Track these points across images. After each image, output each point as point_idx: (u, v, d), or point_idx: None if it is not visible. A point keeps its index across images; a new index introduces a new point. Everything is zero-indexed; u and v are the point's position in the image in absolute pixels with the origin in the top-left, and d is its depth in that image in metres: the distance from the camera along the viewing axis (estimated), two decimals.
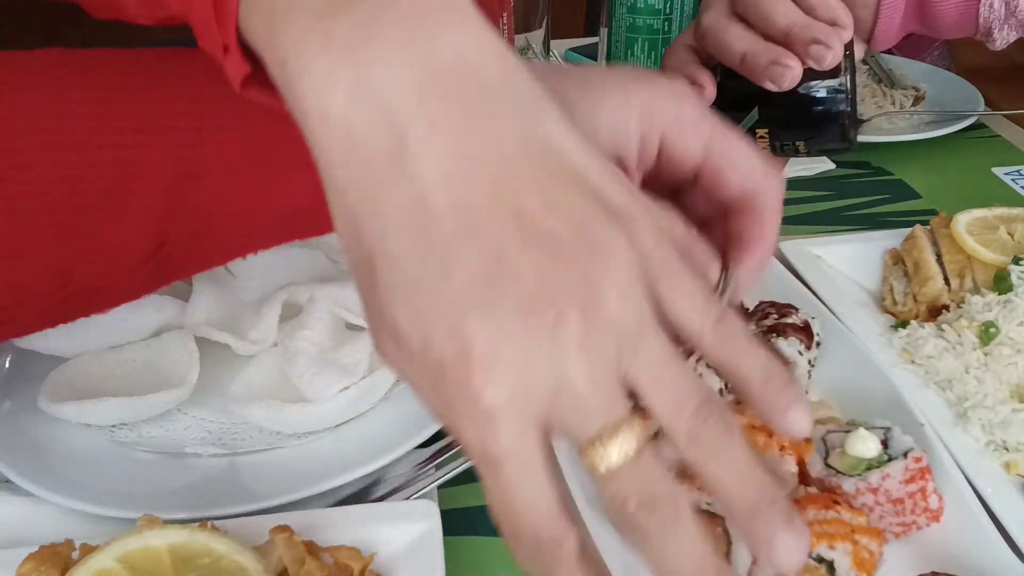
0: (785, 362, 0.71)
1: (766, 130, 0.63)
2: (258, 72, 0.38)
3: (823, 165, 1.11)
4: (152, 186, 0.55)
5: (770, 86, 0.61)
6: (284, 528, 0.54)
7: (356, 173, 0.34)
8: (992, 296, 0.76)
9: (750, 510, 0.35)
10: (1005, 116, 1.23)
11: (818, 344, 0.73)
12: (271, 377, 0.71)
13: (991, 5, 0.80)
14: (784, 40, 0.61)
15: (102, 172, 0.54)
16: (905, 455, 0.59)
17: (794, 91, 0.61)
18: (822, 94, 0.61)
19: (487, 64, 0.35)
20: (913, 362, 0.75)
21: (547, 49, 1.14)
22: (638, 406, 0.35)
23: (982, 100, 1.22)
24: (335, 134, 0.34)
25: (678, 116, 0.48)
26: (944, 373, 0.72)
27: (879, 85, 1.25)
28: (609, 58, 1.06)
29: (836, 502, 0.57)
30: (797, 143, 0.64)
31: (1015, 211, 0.86)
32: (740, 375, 0.37)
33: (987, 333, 0.73)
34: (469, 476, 0.63)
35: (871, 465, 0.59)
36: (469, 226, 0.33)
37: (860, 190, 1.07)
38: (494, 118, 0.34)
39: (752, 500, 0.35)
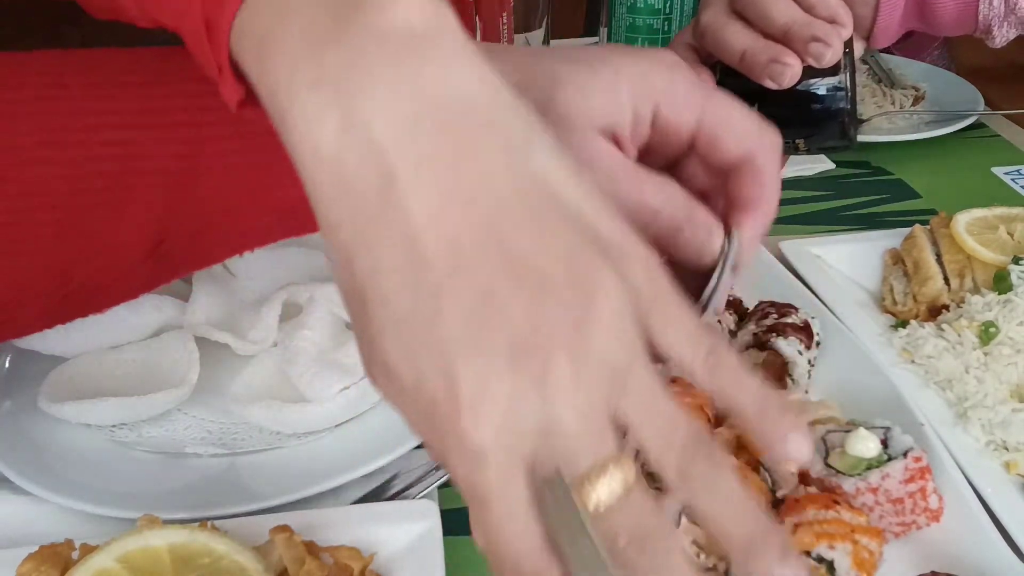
0: (785, 362, 0.71)
1: None
2: (253, 91, 0.38)
3: (823, 165, 1.11)
4: (151, 184, 0.55)
5: (770, 84, 0.61)
6: (284, 528, 0.54)
7: (347, 210, 0.34)
8: (992, 296, 0.76)
9: (744, 546, 0.35)
10: (1005, 116, 1.23)
11: (818, 344, 0.73)
12: (271, 377, 0.71)
13: (991, 2, 0.80)
14: (783, 38, 0.61)
15: (101, 170, 0.54)
16: (905, 455, 0.59)
17: (794, 89, 0.61)
18: (822, 92, 0.61)
19: (478, 97, 0.35)
20: (913, 362, 0.75)
21: None
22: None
23: (982, 100, 1.22)
24: (326, 170, 0.34)
25: (670, 85, 0.48)
26: (944, 373, 0.72)
27: (879, 85, 1.25)
28: None
29: (836, 502, 0.57)
30: (797, 141, 0.64)
31: (1015, 211, 0.86)
32: (734, 406, 0.37)
33: (987, 333, 0.73)
34: None
35: (871, 465, 0.59)
36: (459, 267, 0.33)
37: (860, 190, 1.07)
38: (484, 154, 0.34)
39: (746, 536, 0.35)
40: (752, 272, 0.84)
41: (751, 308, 0.76)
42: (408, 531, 0.57)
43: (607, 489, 0.34)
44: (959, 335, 0.74)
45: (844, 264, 0.88)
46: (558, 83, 0.48)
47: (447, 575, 0.55)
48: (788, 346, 0.71)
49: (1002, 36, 0.82)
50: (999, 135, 1.20)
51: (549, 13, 1.11)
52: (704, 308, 0.47)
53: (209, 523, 0.54)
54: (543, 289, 0.34)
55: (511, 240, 0.34)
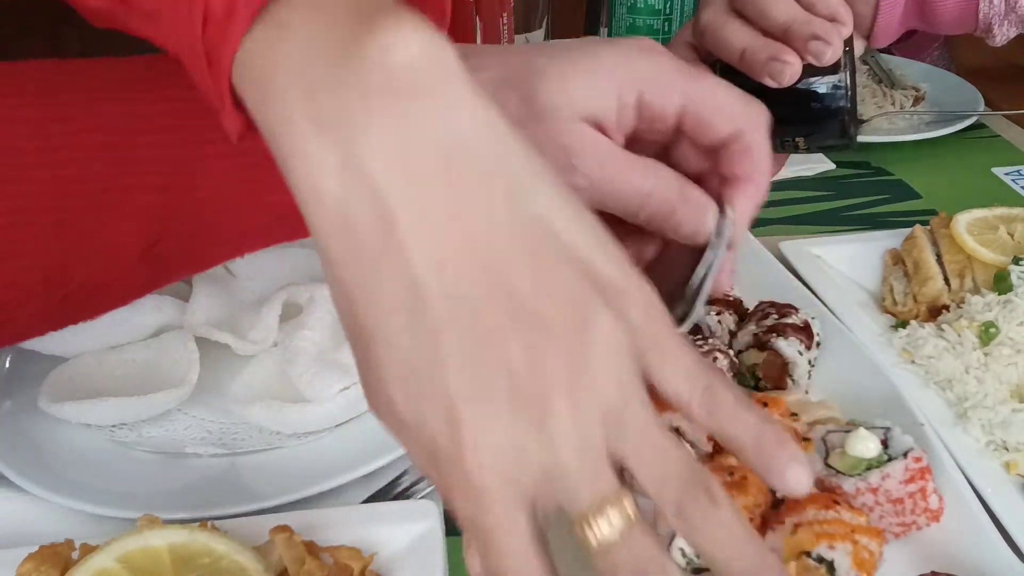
0: (785, 362, 0.71)
1: None
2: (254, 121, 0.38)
3: (823, 165, 1.11)
4: (148, 187, 0.55)
5: (769, 82, 0.61)
6: (284, 528, 0.54)
7: (350, 255, 0.34)
8: (992, 296, 0.76)
9: None
10: (1005, 116, 1.23)
11: (818, 344, 0.73)
12: (271, 377, 0.71)
13: (991, 1, 0.80)
14: (783, 36, 0.61)
15: (98, 174, 0.54)
16: (905, 455, 0.59)
17: (793, 87, 0.61)
18: (822, 90, 0.61)
19: (479, 138, 0.35)
20: (913, 362, 0.75)
21: None
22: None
23: (982, 100, 1.22)
24: (328, 215, 0.34)
25: (651, 70, 0.48)
26: (944, 373, 0.72)
27: (879, 85, 1.25)
28: None
29: (836, 502, 0.57)
30: (797, 140, 0.63)
31: (1015, 211, 0.86)
32: (733, 441, 0.37)
33: (987, 333, 0.73)
34: None
35: (871, 465, 0.59)
36: (460, 314, 0.34)
37: (860, 190, 1.07)
38: (485, 197, 0.34)
39: (744, 571, 0.36)
40: (752, 272, 0.84)
41: (751, 308, 0.76)
42: (408, 531, 0.57)
43: (608, 526, 0.35)
44: (959, 335, 0.74)
45: (844, 264, 0.88)
46: (540, 75, 0.49)
47: (447, 575, 0.55)
48: (788, 346, 0.71)
49: (1002, 34, 0.81)
50: (999, 135, 1.20)
51: (549, 13, 1.11)
52: (700, 286, 0.47)
53: (209, 523, 0.54)
54: (542, 332, 0.34)
55: (510, 283, 0.34)
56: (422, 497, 0.62)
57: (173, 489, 0.64)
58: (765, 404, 0.63)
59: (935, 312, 0.79)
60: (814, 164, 1.10)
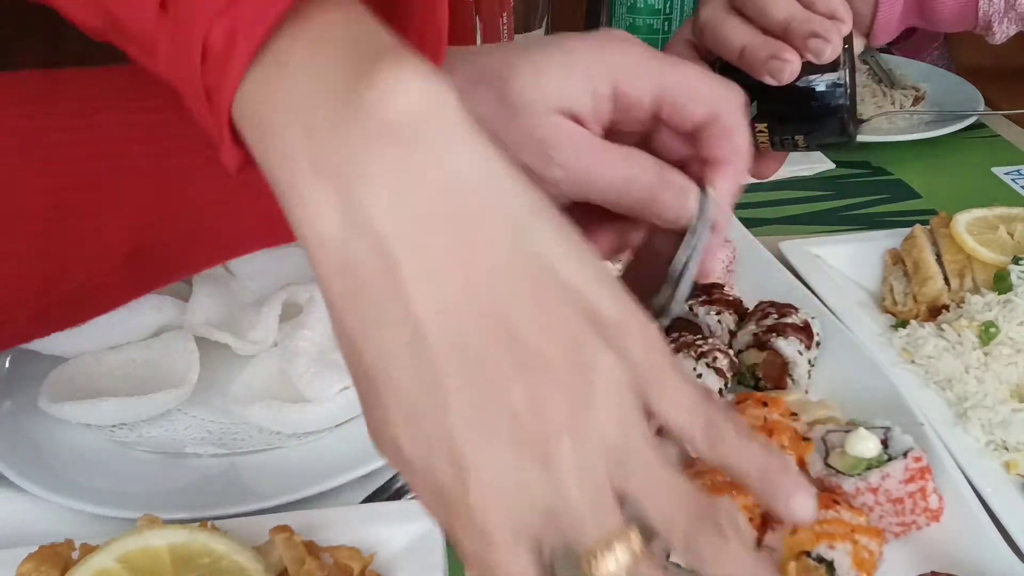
0: (785, 362, 0.71)
1: (765, 124, 0.63)
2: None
3: (823, 165, 1.11)
4: (135, 194, 0.55)
5: (769, 80, 0.61)
6: (284, 528, 0.54)
7: (351, 298, 0.35)
8: (992, 296, 0.76)
9: None
10: (1005, 116, 1.23)
11: (818, 344, 0.73)
12: (271, 377, 0.71)
13: None
14: (782, 34, 0.61)
15: (89, 180, 0.54)
16: (905, 455, 0.59)
17: (793, 85, 0.61)
18: (821, 88, 0.61)
19: (480, 180, 0.35)
20: (913, 362, 0.75)
21: None
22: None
23: (982, 100, 1.22)
24: (331, 261, 0.35)
25: (623, 60, 0.49)
26: (944, 373, 0.72)
27: (879, 85, 1.25)
28: None
29: (836, 502, 0.57)
30: (796, 137, 0.63)
31: (1015, 211, 0.86)
32: (737, 472, 0.38)
33: (987, 333, 0.73)
34: None
35: (871, 465, 0.59)
36: (462, 356, 0.34)
37: (860, 190, 1.07)
38: (486, 240, 0.35)
39: None
40: (752, 272, 0.84)
41: (751, 308, 0.76)
42: (408, 531, 0.57)
43: (614, 561, 0.35)
44: (959, 335, 0.74)
45: (844, 264, 0.88)
46: (513, 71, 0.49)
47: (447, 575, 0.55)
48: (788, 346, 0.71)
49: (1002, 32, 0.81)
50: (999, 135, 1.20)
51: (549, 13, 1.11)
52: (684, 269, 0.48)
53: (209, 523, 0.54)
54: (543, 372, 0.34)
55: (512, 325, 0.34)
56: None
57: (173, 489, 0.64)
58: (765, 404, 0.63)
59: (935, 312, 0.79)
60: (814, 164, 1.10)
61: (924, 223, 0.88)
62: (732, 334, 0.75)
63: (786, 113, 0.63)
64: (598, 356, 0.35)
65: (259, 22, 0.35)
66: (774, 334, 0.71)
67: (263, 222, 0.60)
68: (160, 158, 0.56)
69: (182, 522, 0.54)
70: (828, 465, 0.60)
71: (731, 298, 0.77)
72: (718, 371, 0.69)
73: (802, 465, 0.61)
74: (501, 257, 0.35)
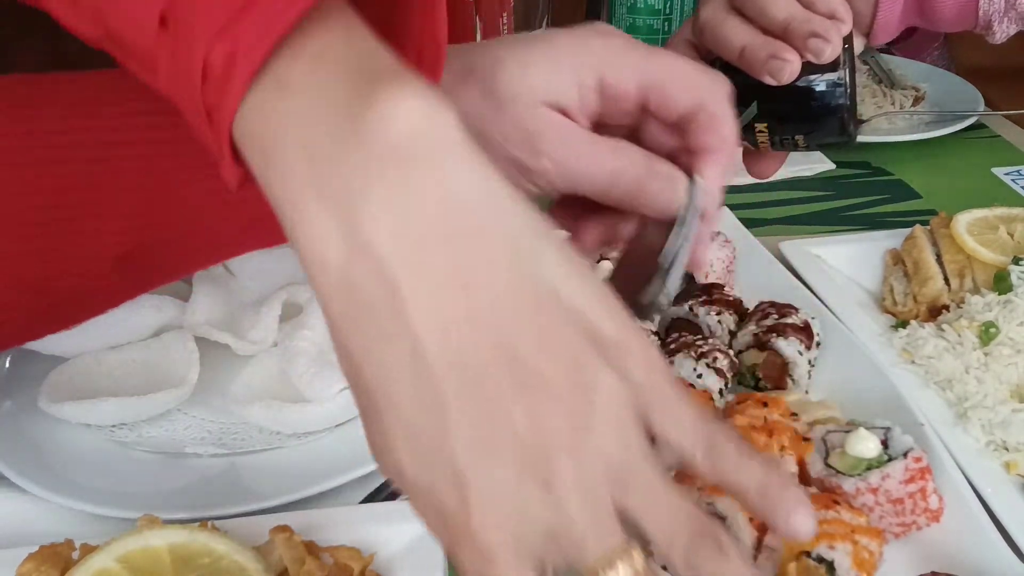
0: (785, 362, 0.71)
1: (765, 124, 0.63)
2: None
3: (823, 165, 1.11)
4: (130, 192, 0.55)
5: (769, 80, 0.61)
6: (284, 528, 0.54)
7: (354, 321, 0.35)
8: (992, 296, 0.76)
9: None
10: (1005, 116, 1.23)
11: (818, 344, 0.73)
12: (271, 377, 0.71)
13: None
14: (782, 34, 0.61)
15: (80, 181, 0.54)
16: (905, 455, 0.59)
17: (793, 85, 0.61)
18: (821, 88, 0.61)
19: (481, 202, 0.35)
20: (913, 362, 0.75)
21: None
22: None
23: (982, 100, 1.22)
24: (334, 284, 0.35)
25: (607, 52, 0.50)
26: (944, 373, 0.72)
27: (879, 85, 1.25)
28: None
29: (836, 502, 0.57)
30: (796, 137, 0.63)
31: (1015, 211, 0.86)
32: (738, 490, 0.38)
33: (987, 333, 0.73)
34: None
35: (871, 465, 0.59)
36: (464, 378, 0.34)
37: (860, 190, 1.07)
38: (487, 262, 0.35)
39: None
40: (752, 272, 0.84)
41: (751, 308, 0.76)
42: (408, 531, 0.57)
43: None
44: (959, 335, 0.74)
45: (844, 264, 0.88)
46: (499, 65, 0.50)
47: (447, 575, 0.55)
48: (788, 346, 0.71)
49: (1002, 32, 0.81)
50: (999, 135, 1.20)
51: (549, 13, 1.11)
52: (674, 258, 0.48)
53: (209, 523, 0.54)
54: (544, 393, 0.35)
55: (513, 346, 0.34)
56: None
57: (173, 489, 0.64)
58: (765, 404, 0.63)
59: (935, 312, 0.79)
60: (814, 164, 1.10)
61: (924, 223, 0.88)
62: (732, 334, 0.75)
63: (786, 113, 0.63)
64: (599, 376, 0.35)
65: (259, 44, 0.35)
66: (774, 334, 0.71)
67: (257, 223, 0.60)
68: (155, 160, 0.56)
69: (182, 522, 0.54)
70: (828, 465, 0.60)
71: (731, 298, 0.77)
72: (718, 371, 0.69)
73: (802, 465, 0.61)
74: (501, 277, 0.35)
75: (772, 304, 0.75)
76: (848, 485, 0.58)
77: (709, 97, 0.50)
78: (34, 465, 0.64)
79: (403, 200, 0.34)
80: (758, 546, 0.56)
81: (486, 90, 0.49)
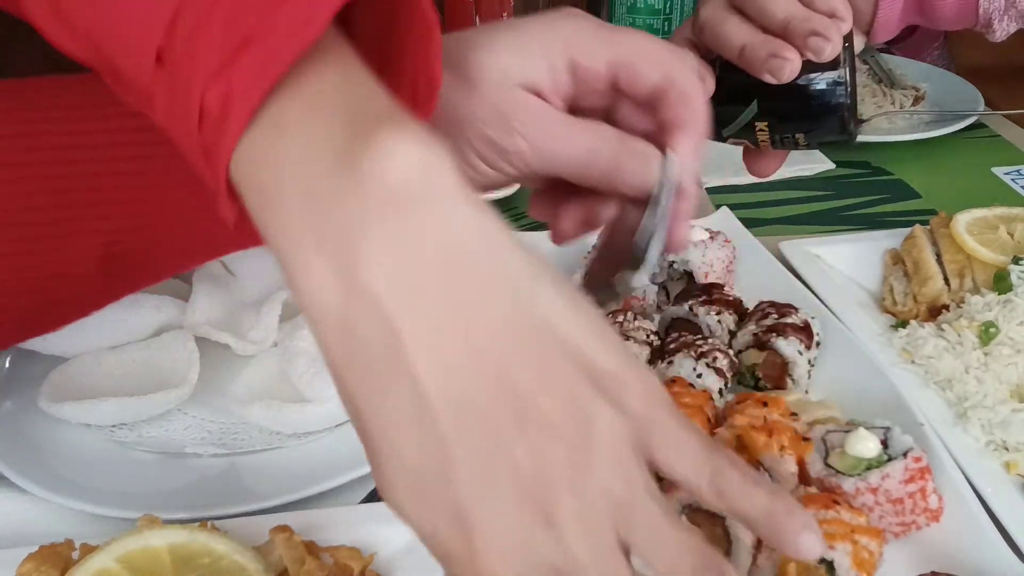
0: (785, 362, 0.71)
1: (765, 123, 0.63)
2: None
3: (823, 165, 1.11)
4: (104, 199, 0.56)
5: (769, 79, 0.61)
6: (284, 528, 0.54)
7: (355, 367, 0.35)
8: (992, 296, 0.76)
9: None
10: (1005, 116, 1.23)
11: (818, 344, 0.73)
12: (271, 377, 0.71)
13: None
14: (782, 32, 0.61)
15: (65, 185, 0.54)
16: (905, 455, 0.59)
17: (793, 84, 0.61)
18: (821, 86, 0.61)
19: (478, 245, 0.35)
20: (913, 362, 0.75)
21: None
22: None
23: (982, 100, 1.22)
24: (331, 327, 0.35)
25: (576, 33, 0.50)
26: (944, 373, 0.72)
27: (879, 85, 1.25)
28: None
29: (836, 502, 0.57)
30: (797, 136, 0.63)
31: (1015, 211, 0.86)
32: (746, 518, 0.38)
33: (987, 333, 0.73)
34: None
35: (871, 465, 0.59)
36: (466, 421, 0.34)
37: (860, 190, 1.07)
38: (486, 304, 0.35)
39: None
40: (752, 272, 0.84)
41: (751, 308, 0.76)
42: (408, 531, 0.57)
43: None
44: (959, 335, 0.74)
45: (844, 264, 0.88)
46: (471, 49, 0.50)
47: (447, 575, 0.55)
48: (788, 346, 0.71)
49: (1002, 30, 0.81)
50: (999, 135, 1.20)
51: None
52: (652, 235, 0.49)
53: (209, 523, 0.54)
54: (545, 432, 0.35)
55: (513, 386, 0.35)
56: None
57: (173, 489, 0.64)
58: (765, 404, 0.63)
59: (935, 312, 0.79)
60: (814, 164, 1.10)
61: (924, 223, 0.88)
62: (732, 334, 0.75)
63: (786, 112, 0.63)
64: (596, 411, 0.36)
65: (256, 86, 0.35)
66: (774, 334, 0.71)
67: (247, 221, 0.60)
68: (140, 161, 0.56)
69: (182, 522, 0.54)
70: (828, 465, 0.60)
71: (731, 298, 0.77)
72: (718, 371, 0.69)
73: (802, 465, 0.61)
74: (499, 318, 0.35)
75: (772, 304, 0.75)
76: (848, 485, 0.58)
77: (678, 73, 0.50)
78: (34, 465, 0.64)
79: (399, 245, 0.34)
80: (758, 546, 0.56)
81: (459, 74, 0.50)
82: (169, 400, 0.68)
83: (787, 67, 0.61)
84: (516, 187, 0.92)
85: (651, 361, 0.72)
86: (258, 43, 0.35)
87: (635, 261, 0.49)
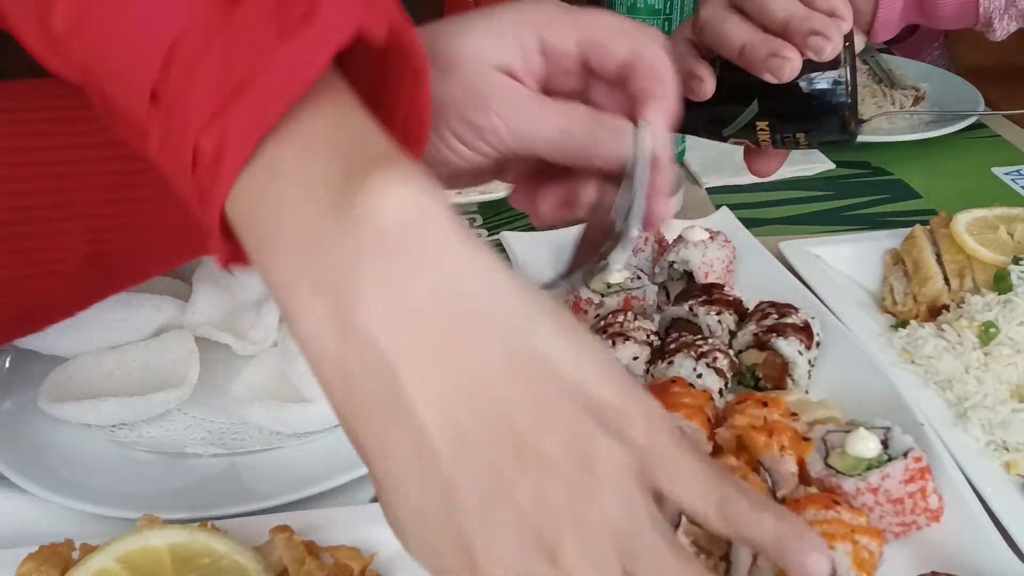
0: (785, 362, 0.71)
1: (766, 123, 0.63)
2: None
3: (823, 165, 1.11)
4: (88, 200, 0.56)
5: (769, 78, 0.61)
6: (284, 528, 0.54)
7: (355, 409, 0.35)
8: (992, 296, 0.76)
9: None
10: (1005, 116, 1.23)
11: (818, 344, 0.73)
12: (271, 377, 0.71)
13: None
14: (783, 32, 0.61)
15: (46, 186, 0.55)
16: (905, 455, 0.59)
17: (793, 83, 0.61)
18: (822, 86, 0.61)
19: (475, 284, 0.35)
20: (913, 362, 0.75)
21: None
22: None
23: (982, 100, 1.22)
24: (332, 372, 0.35)
25: (544, 15, 0.52)
26: (944, 373, 0.72)
27: (879, 85, 1.25)
28: None
29: (836, 502, 0.57)
30: (797, 135, 0.63)
31: (1015, 211, 0.86)
32: (753, 544, 0.38)
33: (987, 333, 0.73)
34: None
35: (871, 465, 0.59)
36: (468, 461, 0.34)
37: (860, 190, 1.07)
38: (483, 343, 0.35)
39: None
40: (752, 272, 0.84)
41: (751, 308, 0.76)
42: None
43: None
44: (959, 335, 0.74)
45: (844, 264, 0.88)
46: (442, 34, 0.51)
47: None
48: (788, 346, 0.71)
49: (1003, 29, 0.81)
50: (999, 135, 1.20)
51: None
52: (628, 209, 0.49)
53: (209, 523, 0.54)
54: (546, 468, 0.35)
55: (513, 423, 0.35)
56: None
57: (173, 489, 0.64)
58: (765, 404, 0.63)
59: (935, 312, 0.79)
60: (814, 164, 1.10)
61: (924, 223, 0.88)
62: (732, 334, 0.75)
63: (787, 111, 0.63)
64: (597, 445, 0.36)
65: (251, 132, 0.35)
66: (774, 334, 0.71)
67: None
68: (122, 161, 0.56)
69: (182, 522, 0.54)
70: (828, 465, 0.60)
71: (731, 298, 0.77)
72: (718, 371, 0.69)
73: (802, 465, 0.61)
74: (497, 357, 0.35)
75: (772, 304, 0.75)
76: (848, 485, 0.58)
77: (646, 47, 0.51)
78: (34, 465, 0.64)
79: (394, 286, 0.34)
80: None
81: (435, 60, 0.50)
82: (169, 400, 0.68)
83: (787, 66, 0.61)
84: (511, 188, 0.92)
85: (651, 361, 0.72)
86: (254, 88, 0.35)
87: (615, 237, 0.49)
